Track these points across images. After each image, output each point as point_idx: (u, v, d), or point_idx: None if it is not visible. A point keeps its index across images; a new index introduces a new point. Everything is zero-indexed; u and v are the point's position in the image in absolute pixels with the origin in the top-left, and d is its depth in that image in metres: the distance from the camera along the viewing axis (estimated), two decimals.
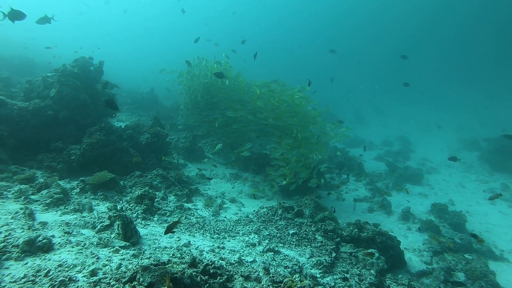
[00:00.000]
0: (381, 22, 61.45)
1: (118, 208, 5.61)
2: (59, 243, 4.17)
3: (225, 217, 7.23)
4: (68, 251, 4.04)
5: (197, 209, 7.33)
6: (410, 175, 15.07)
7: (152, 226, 5.40)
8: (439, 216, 10.94)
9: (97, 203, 6.06)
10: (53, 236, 4.31)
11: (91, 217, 5.03)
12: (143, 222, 5.42)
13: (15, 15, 7.12)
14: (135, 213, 5.63)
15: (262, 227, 6.54)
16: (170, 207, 6.77)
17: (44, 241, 3.96)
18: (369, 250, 6.52)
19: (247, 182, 11.47)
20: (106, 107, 7.65)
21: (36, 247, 3.87)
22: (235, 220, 6.87)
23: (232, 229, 6.21)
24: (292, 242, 6.02)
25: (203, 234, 5.64)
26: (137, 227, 4.95)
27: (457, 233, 9.87)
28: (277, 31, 73.27)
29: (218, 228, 6.04)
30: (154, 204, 6.60)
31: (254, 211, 7.97)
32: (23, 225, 4.47)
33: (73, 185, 6.80)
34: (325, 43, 66.82)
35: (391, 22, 60.30)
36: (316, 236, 6.50)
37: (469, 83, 52.29)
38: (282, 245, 5.88)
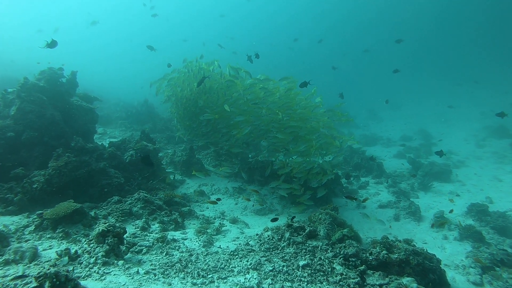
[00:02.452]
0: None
1: (72, 252, 4.32)
2: None
3: (220, 246, 5.85)
4: None
5: (185, 239, 5.98)
6: (437, 172, 13.41)
7: (114, 274, 4.07)
8: (479, 218, 9.32)
9: (50, 245, 4.78)
10: None
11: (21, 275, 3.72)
12: (101, 270, 4.10)
13: (53, 44, 7.95)
14: (93, 257, 4.31)
15: (264, 259, 5.14)
16: (148, 240, 5.45)
17: None
18: (404, 280, 5.04)
19: (252, 196, 10.07)
20: (142, 163, 7.40)
21: None
22: (232, 251, 5.48)
23: (225, 265, 4.82)
24: (303, 279, 4.59)
25: (184, 278, 4.27)
26: (86, 283, 3.64)
27: (505, 239, 8.26)
28: (269, 27, 72.00)
29: (206, 267, 4.67)
30: (128, 239, 5.29)
31: (257, 234, 6.57)
32: None
33: (30, 221, 5.55)
34: (333, 35, 65.46)
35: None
36: (334, 266, 5.06)
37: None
38: (290, 284, 4.47)
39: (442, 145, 19.59)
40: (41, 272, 3.15)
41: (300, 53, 60.68)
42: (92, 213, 6.03)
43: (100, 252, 4.41)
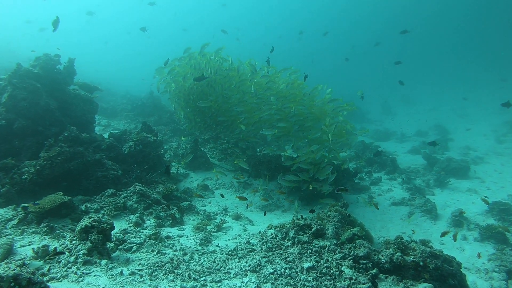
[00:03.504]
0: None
1: (51, 249, 3.92)
2: None
3: (218, 245, 5.40)
4: None
5: (181, 237, 5.54)
6: (454, 168, 12.69)
7: (94, 275, 3.65)
8: (502, 218, 8.65)
9: (30, 241, 4.39)
10: None
11: None
12: (81, 270, 3.68)
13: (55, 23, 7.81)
14: (73, 255, 3.90)
15: (265, 260, 4.65)
16: (140, 237, 5.03)
17: None
18: (421, 286, 4.50)
19: (257, 192, 9.61)
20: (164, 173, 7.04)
21: None
22: (230, 250, 5.02)
23: (222, 267, 4.36)
24: (307, 284, 4.09)
25: (173, 281, 3.82)
26: (59, 285, 3.23)
27: None
28: (277, 18, 70.81)
29: (199, 268, 4.21)
30: (118, 235, 4.88)
31: (259, 232, 6.09)
32: None
33: (15, 214, 5.18)
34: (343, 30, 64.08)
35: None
36: (342, 269, 4.55)
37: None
38: None
39: (460, 140, 18.78)
40: None
41: (310, 46, 59.76)
42: (83, 207, 5.65)
43: (81, 250, 4.00)
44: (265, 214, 8.18)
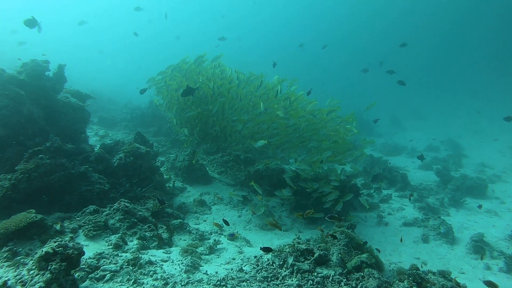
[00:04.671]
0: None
1: (1, 281, 3.32)
2: None
3: (206, 272, 4.73)
4: None
5: (166, 261, 4.89)
6: (469, 186, 11.88)
7: None
8: None
9: None
10: None
11: None
12: None
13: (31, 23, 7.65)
14: None
15: None
16: (117, 263, 4.40)
17: None
18: None
19: (260, 208, 8.94)
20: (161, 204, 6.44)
21: None
22: (219, 280, 4.35)
23: None
24: None
25: None
26: None
27: None
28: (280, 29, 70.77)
29: None
30: (90, 261, 4.26)
31: (255, 257, 5.42)
32: None
33: None
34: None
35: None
36: None
37: None
38: None
39: (475, 157, 17.91)
40: None
41: (322, 58, 59.48)
42: (58, 226, 5.05)
43: (38, 282, 3.38)
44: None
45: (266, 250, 4.99)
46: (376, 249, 5.82)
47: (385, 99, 41.20)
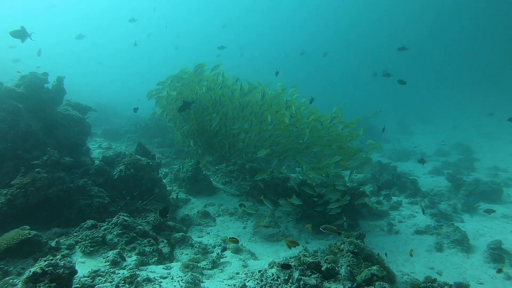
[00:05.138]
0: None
1: None
2: None
3: None
4: None
5: (165, 278, 4.66)
6: (483, 191, 11.44)
7: None
8: None
9: None
10: None
11: None
12: None
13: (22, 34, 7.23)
14: None
15: None
16: (112, 281, 4.17)
17: None
18: None
19: (263, 220, 8.69)
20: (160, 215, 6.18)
21: None
22: None
23: None
24: None
25: None
26: None
27: None
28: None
29: None
30: (84, 279, 4.05)
31: (259, 271, 5.15)
32: None
33: None
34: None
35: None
36: None
37: None
38: None
39: (487, 160, 17.43)
40: None
41: (329, 65, 59.41)
42: (53, 243, 4.86)
43: None
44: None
45: (285, 267, 4.68)
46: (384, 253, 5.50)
47: (392, 103, 40.86)
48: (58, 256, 3.71)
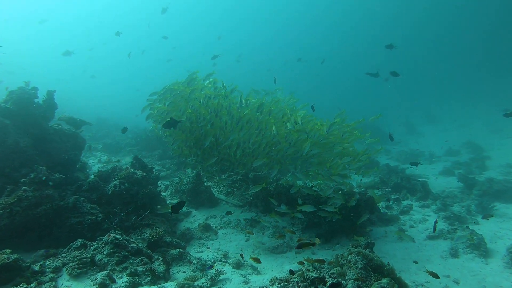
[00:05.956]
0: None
1: None
2: None
3: None
4: None
5: None
6: (498, 190, 10.94)
7: None
8: None
9: None
10: None
11: None
12: None
13: None
14: None
15: None
16: None
17: None
18: None
19: (267, 231, 8.31)
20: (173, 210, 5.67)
21: None
22: None
23: None
24: None
25: None
26: None
27: None
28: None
29: None
30: None
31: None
32: None
33: None
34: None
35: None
36: None
37: None
38: None
39: (499, 158, 16.84)
40: None
41: (332, 68, 59.17)
42: (37, 266, 4.55)
43: None
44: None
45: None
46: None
47: (398, 104, 40.29)
48: (32, 285, 3.38)
